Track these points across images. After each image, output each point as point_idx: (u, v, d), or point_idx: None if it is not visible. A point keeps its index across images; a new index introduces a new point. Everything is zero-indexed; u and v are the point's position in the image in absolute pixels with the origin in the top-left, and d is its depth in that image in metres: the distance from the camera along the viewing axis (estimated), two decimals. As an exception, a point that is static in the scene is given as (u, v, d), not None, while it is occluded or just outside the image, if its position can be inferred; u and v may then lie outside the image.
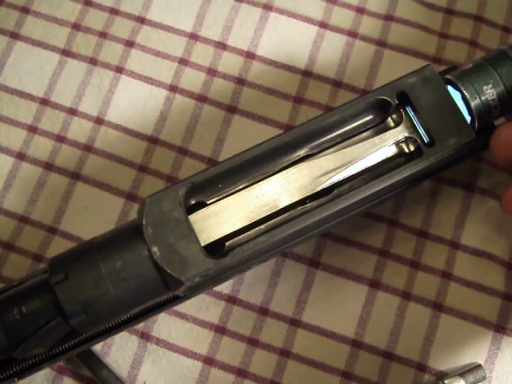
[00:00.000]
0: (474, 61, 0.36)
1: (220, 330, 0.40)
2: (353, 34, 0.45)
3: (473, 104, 0.35)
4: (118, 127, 0.44)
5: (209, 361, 0.40)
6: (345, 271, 0.41)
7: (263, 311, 0.41)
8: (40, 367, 0.35)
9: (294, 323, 0.40)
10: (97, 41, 0.45)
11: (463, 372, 0.39)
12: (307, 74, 0.44)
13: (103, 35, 0.45)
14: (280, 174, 0.35)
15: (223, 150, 0.43)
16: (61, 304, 0.31)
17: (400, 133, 0.35)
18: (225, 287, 0.41)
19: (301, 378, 0.40)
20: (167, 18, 0.46)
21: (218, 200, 0.34)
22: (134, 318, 0.36)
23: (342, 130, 0.36)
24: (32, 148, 0.44)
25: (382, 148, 0.35)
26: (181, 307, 0.40)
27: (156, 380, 0.40)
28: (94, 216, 0.42)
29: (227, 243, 0.34)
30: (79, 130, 0.44)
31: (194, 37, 0.45)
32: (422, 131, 0.35)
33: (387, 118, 0.36)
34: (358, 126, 0.36)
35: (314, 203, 0.35)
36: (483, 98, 0.35)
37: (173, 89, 0.44)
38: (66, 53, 0.45)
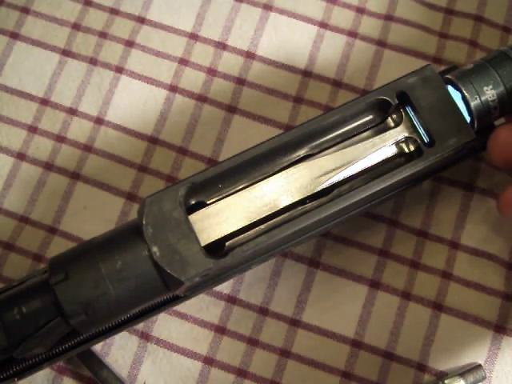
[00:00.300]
0: (475, 61, 0.36)
1: (220, 330, 0.40)
2: (353, 33, 0.45)
3: (473, 104, 0.35)
4: (117, 127, 0.44)
5: (209, 361, 0.40)
6: (345, 271, 0.41)
7: (263, 311, 0.41)
8: (40, 367, 0.35)
9: (294, 323, 0.40)
10: (97, 41, 0.45)
11: (463, 372, 0.39)
12: (307, 74, 0.44)
13: (103, 35, 0.45)
14: (280, 173, 0.35)
15: (223, 150, 0.43)
16: (61, 304, 0.31)
17: (400, 133, 0.35)
18: (225, 287, 0.41)
19: (301, 378, 0.40)
20: (167, 18, 0.46)
21: (217, 200, 0.34)
22: (134, 318, 0.36)
23: (342, 130, 0.36)
24: (32, 148, 0.44)
25: (382, 148, 0.35)
26: (181, 307, 0.40)
27: (156, 380, 0.40)
28: (94, 216, 0.42)
29: (227, 243, 0.34)
30: (79, 130, 0.44)
31: (193, 37, 0.45)
32: (422, 131, 0.35)
33: (387, 118, 0.36)
34: (358, 126, 0.36)
35: (314, 203, 0.35)
36: (483, 99, 0.35)
37: (173, 89, 0.44)
38: (66, 53, 0.45)
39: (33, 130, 0.44)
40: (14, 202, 0.43)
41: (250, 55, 0.45)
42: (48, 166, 0.43)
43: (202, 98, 0.44)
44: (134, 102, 0.44)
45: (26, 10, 0.46)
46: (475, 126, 0.35)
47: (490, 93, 0.35)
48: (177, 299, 0.36)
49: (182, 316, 0.41)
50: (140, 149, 0.43)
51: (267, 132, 0.43)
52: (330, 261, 0.41)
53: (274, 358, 0.40)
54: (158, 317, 0.40)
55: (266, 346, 0.40)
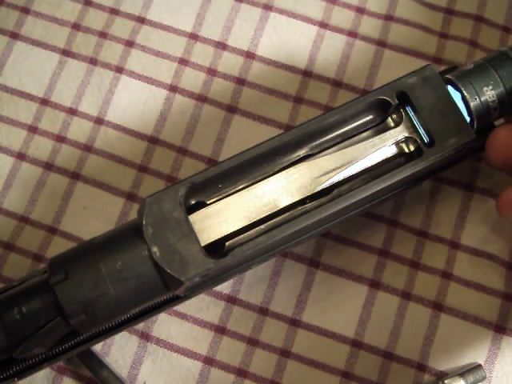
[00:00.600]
0: (475, 61, 0.36)
1: (220, 330, 0.40)
2: (353, 34, 0.45)
3: (472, 105, 0.35)
4: (117, 127, 0.44)
5: (209, 361, 0.40)
6: (345, 271, 0.41)
7: (263, 311, 0.41)
8: (40, 367, 0.35)
9: (294, 323, 0.40)
10: (97, 41, 0.45)
11: (463, 372, 0.39)
12: (307, 73, 0.44)
13: (103, 35, 0.45)
14: (280, 173, 0.35)
15: (223, 150, 0.43)
16: (61, 304, 0.31)
17: (400, 133, 0.35)
18: (225, 287, 0.41)
19: (301, 378, 0.40)
20: (167, 18, 0.46)
21: (218, 200, 0.34)
22: (134, 318, 0.36)
23: (342, 130, 0.36)
24: (32, 148, 0.44)
25: (382, 148, 0.35)
26: (181, 307, 0.40)
27: (156, 380, 0.40)
28: (94, 216, 0.42)
29: (227, 243, 0.34)
30: (79, 130, 0.44)
31: (194, 37, 0.45)
32: (421, 131, 0.35)
33: (387, 117, 0.36)
34: (358, 126, 0.36)
35: (314, 203, 0.35)
36: (483, 99, 0.35)
37: (173, 89, 0.44)
38: (66, 53, 0.45)
39: (33, 130, 0.44)
40: (13, 202, 0.43)
41: (249, 55, 0.45)
42: (48, 166, 0.43)
43: (201, 98, 0.44)
44: (134, 102, 0.44)
45: (26, 10, 0.46)
46: (475, 126, 0.35)
47: (489, 93, 0.35)
48: (177, 299, 0.36)
49: (182, 316, 0.41)
50: (140, 149, 0.43)
51: (267, 132, 0.43)
52: (330, 261, 0.41)
53: (274, 357, 0.40)
54: (158, 317, 0.40)
55: (266, 345, 0.40)
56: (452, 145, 0.34)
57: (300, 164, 0.35)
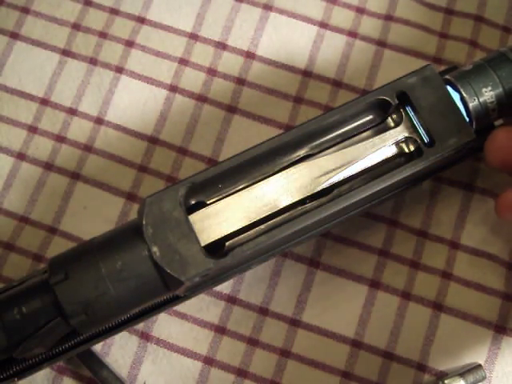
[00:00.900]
0: (474, 62, 0.36)
1: (220, 330, 0.40)
2: (353, 34, 0.45)
3: (471, 105, 0.35)
4: (117, 127, 0.44)
5: (209, 361, 0.40)
6: (345, 271, 0.41)
7: (263, 311, 0.41)
8: (40, 367, 0.35)
9: (294, 323, 0.40)
10: (97, 41, 0.45)
11: (463, 372, 0.39)
12: (307, 73, 0.44)
13: (103, 35, 0.45)
14: (280, 174, 0.35)
15: (223, 150, 0.43)
16: (61, 304, 0.31)
17: (400, 133, 0.35)
18: (225, 287, 0.41)
19: (301, 378, 0.40)
20: (167, 18, 0.46)
21: (218, 200, 0.34)
22: (134, 318, 0.36)
23: (342, 130, 0.36)
24: (32, 148, 0.44)
25: (382, 148, 0.35)
26: (181, 307, 0.40)
27: (156, 380, 0.40)
28: (94, 216, 0.42)
29: (227, 243, 0.34)
30: (79, 130, 0.44)
31: (194, 37, 0.45)
32: (421, 131, 0.35)
33: (387, 117, 0.36)
34: (358, 126, 0.36)
35: (314, 203, 0.35)
36: (482, 100, 0.35)
37: (173, 89, 0.44)
38: (66, 53, 0.45)
39: (33, 130, 0.44)
40: (13, 202, 0.43)
41: (249, 55, 0.45)
42: (48, 166, 0.43)
43: (201, 98, 0.44)
44: (134, 102, 0.44)
45: (26, 10, 0.46)
46: (473, 127, 0.35)
47: (488, 94, 0.35)
48: (177, 299, 0.36)
49: (182, 316, 0.41)
50: (140, 149, 0.43)
51: (267, 132, 0.43)
52: (330, 261, 0.41)
53: (274, 357, 0.40)
54: (158, 317, 0.40)
55: (266, 345, 0.40)
56: (452, 145, 0.34)
57: (300, 164, 0.35)
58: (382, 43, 0.45)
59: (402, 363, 0.40)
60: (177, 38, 0.45)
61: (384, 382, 0.39)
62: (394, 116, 0.36)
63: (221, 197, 0.34)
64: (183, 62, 0.45)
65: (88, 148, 0.43)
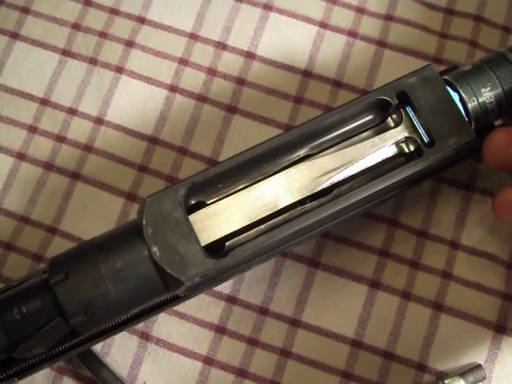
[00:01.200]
0: (473, 62, 0.36)
1: (220, 330, 0.40)
2: (353, 33, 0.45)
3: (470, 106, 0.35)
4: (117, 127, 0.44)
5: (209, 361, 0.40)
6: (345, 271, 0.41)
7: (263, 311, 0.41)
8: (40, 367, 0.35)
9: (294, 323, 0.40)
10: (97, 41, 0.45)
11: (463, 372, 0.39)
12: (307, 73, 0.44)
13: (103, 35, 0.45)
14: (280, 174, 0.35)
15: (223, 150, 0.43)
16: (61, 304, 0.31)
17: (400, 133, 0.35)
18: (225, 287, 0.41)
19: (301, 378, 0.40)
20: (167, 18, 0.46)
21: (218, 200, 0.34)
22: (134, 318, 0.36)
23: (342, 130, 0.36)
24: (32, 148, 0.44)
25: (382, 148, 0.35)
26: (181, 307, 0.40)
27: (156, 380, 0.40)
28: (94, 216, 0.42)
29: (227, 243, 0.34)
30: (79, 130, 0.44)
31: (194, 37, 0.45)
32: (421, 131, 0.35)
33: (387, 118, 0.36)
34: (358, 126, 0.36)
35: (314, 203, 0.35)
36: (481, 101, 0.35)
37: (173, 89, 0.44)
38: (66, 53, 0.45)
39: (33, 129, 0.44)
40: (13, 202, 0.43)
41: (250, 55, 0.45)
42: (48, 166, 0.43)
43: (201, 98, 0.44)
44: (134, 102, 0.44)
45: (26, 10, 0.46)
46: (472, 127, 0.35)
47: (487, 94, 0.35)
48: (177, 299, 0.36)
49: (182, 316, 0.41)
50: (140, 149, 0.43)
51: (267, 132, 0.43)
52: (330, 261, 0.41)
53: (274, 358, 0.40)
54: (158, 317, 0.40)
55: (266, 345, 0.40)
56: (452, 145, 0.34)
57: (300, 164, 0.35)
58: (382, 43, 0.45)
59: (402, 363, 0.40)
60: (177, 37, 0.45)
61: (384, 382, 0.39)
62: (394, 116, 0.36)
63: (221, 197, 0.34)
64: (183, 62, 0.45)
65: (88, 148, 0.43)
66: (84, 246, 0.33)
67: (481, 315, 0.40)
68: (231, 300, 0.41)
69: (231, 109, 0.44)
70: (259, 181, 0.35)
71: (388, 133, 0.35)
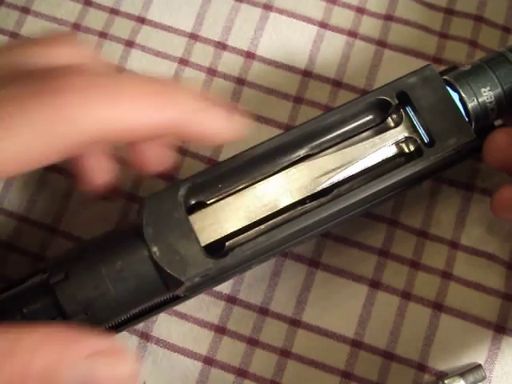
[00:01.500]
0: (473, 62, 0.36)
1: (220, 330, 0.40)
2: (353, 33, 0.45)
3: (470, 106, 0.35)
4: (118, 127, 0.44)
5: (209, 361, 0.40)
6: (345, 271, 0.41)
7: (263, 311, 0.41)
8: (40, 367, 0.35)
9: (294, 323, 0.40)
10: (97, 41, 0.45)
11: (463, 372, 0.39)
12: (307, 73, 0.44)
13: (103, 35, 0.45)
14: (280, 174, 0.35)
15: (223, 150, 0.43)
16: (61, 304, 0.31)
17: (400, 133, 0.35)
18: (225, 287, 0.41)
19: (301, 378, 0.40)
20: (167, 18, 0.46)
21: (218, 200, 0.34)
22: (134, 318, 0.36)
23: (342, 130, 0.36)
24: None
25: (382, 148, 0.35)
26: (181, 307, 0.40)
27: (156, 380, 0.40)
28: (94, 216, 0.42)
29: (227, 243, 0.34)
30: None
31: (194, 37, 0.45)
32: (421, 131, 0.35)
33: (387, 118, 0.36)
34: (358, 126, 0.36)
35: (314, 203, 0.35)
36: (481, 100, 0.35)
37: (173, 89, 0.44)
38: (66, 53, 0.45)
39: (33, 130, 0.44)
40: (13, 202, 0.43)
41: (249, 55, 0.45)
42: (48, 166, 0.43)
43: (201, 98, 0.44)
44: (134, 102, 0.44)
45: (26, 10, 0.46)
46: (472, 127, 0.35)
47: (487, 94, 0.35)
48: (177, 299, 0.36)
49: (182, 316, 0.41)
50: (140, 149, 0.43)
51: (267, 132, 0.43)
52: (330, 261, 0.41)
53: (274, 358, 0.40)
54: (157, 317, 0.40)
55: (266, 345, 0.40)
56: (452, 145, 0.34)
57: (300, 164, 0.35)
58: (382, 43, 0.45)
59: (402, 363, 0.40)
60: (177, 37, 0.45)
61: (384, 382, 0.39)
62: (394, 116, 0.36)
63: (221, 197, 0.34)
64: (183, 62, 0.45)
65: (88, 148, 0.43)
66: (84, 245, 0.33)
67: (481, 315, 0.40)
68: (231, 300, 0.41)
69: (231, 109, 0.44)
70: (259, 181, 0.35)
71: (388, 133, 0.35)
